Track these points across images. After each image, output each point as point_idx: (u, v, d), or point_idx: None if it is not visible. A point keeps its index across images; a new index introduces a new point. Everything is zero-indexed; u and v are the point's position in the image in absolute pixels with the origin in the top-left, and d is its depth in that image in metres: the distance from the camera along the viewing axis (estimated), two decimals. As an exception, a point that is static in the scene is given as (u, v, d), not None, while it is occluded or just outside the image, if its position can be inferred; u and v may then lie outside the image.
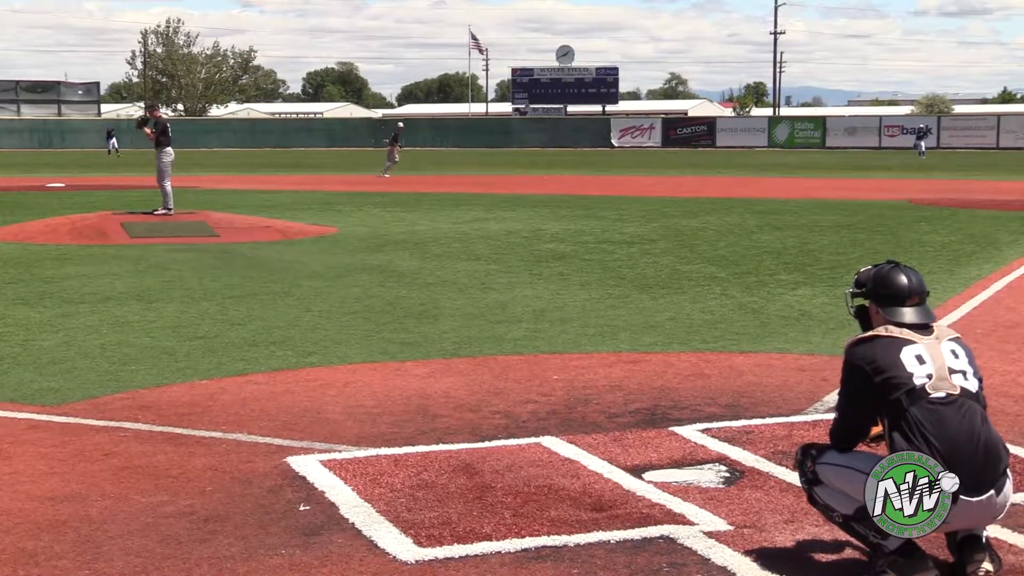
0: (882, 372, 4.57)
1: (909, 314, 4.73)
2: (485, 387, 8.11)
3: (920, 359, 4.58)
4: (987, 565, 4.60)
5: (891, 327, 4.69)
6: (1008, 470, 4.61)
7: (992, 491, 4.51)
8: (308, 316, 11.23)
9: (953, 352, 4.66)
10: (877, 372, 4.58)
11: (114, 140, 69.48)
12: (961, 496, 4.42)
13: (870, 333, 4.72)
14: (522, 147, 77.87)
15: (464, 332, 10.34)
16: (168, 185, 21.25)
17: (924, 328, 4.71)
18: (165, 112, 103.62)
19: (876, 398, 4.60)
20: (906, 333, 4.66)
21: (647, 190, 32.76)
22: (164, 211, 21.04)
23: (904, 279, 4.78)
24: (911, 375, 4.55)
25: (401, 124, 49.02)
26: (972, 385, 4.62)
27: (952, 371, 4.59)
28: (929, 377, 4.55)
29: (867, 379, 4.61)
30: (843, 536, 5.10)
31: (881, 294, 4.78)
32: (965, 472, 4.42)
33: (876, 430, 4.80)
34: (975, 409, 4.58)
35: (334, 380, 8.37)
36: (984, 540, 4.69)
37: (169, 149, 21.33)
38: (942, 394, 4.54)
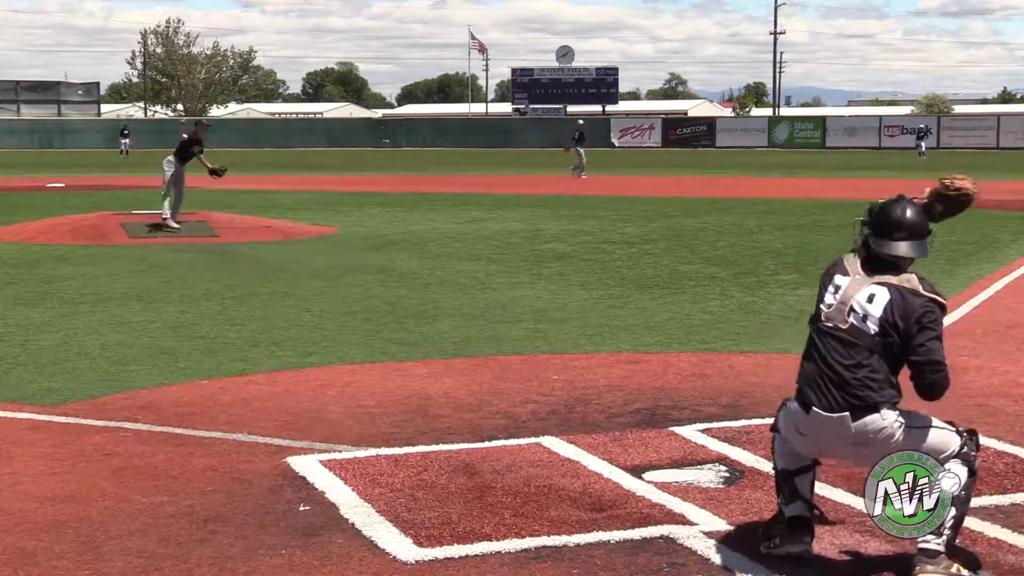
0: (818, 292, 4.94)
1: (895, 247, 4.81)
2: (485, 387, 8.11)
3: (836, 289, 4.84)
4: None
5: (848, 256, 4.92)
6: (879, 407, 4.66)
7: (846, 413, 4.68)
8: (308, 316, 11.23)
9: (871, 295, 4.76)
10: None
11: (127, 140, 69.50)
12: (813, 408, 4.76)
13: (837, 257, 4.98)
14: (522, 147, 77.85)
15: (464, 332, 10.34)
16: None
17: (887, 268, 4.79)
18: (165, 113, 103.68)
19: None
20: (849, 264, 4.87)
21: (647, 190, 32.76)
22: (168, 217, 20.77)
23: (898, 211, 4.84)
24: (822, 301, 4.87)
25: (581, 121, 44.87)
26: (869, 328, 4.72)
27: (852, 310, 4.75)
28: (829, 307, 4.83)
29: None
30: (842, 537, 5.11)
31: (876, 224, 4.87)
32: (815, 392, 4.78)
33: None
34: (851, 344, 4.72)
35: (334, 380, 8.37)
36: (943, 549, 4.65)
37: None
38: (830, 324, 4.80)
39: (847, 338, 4.75)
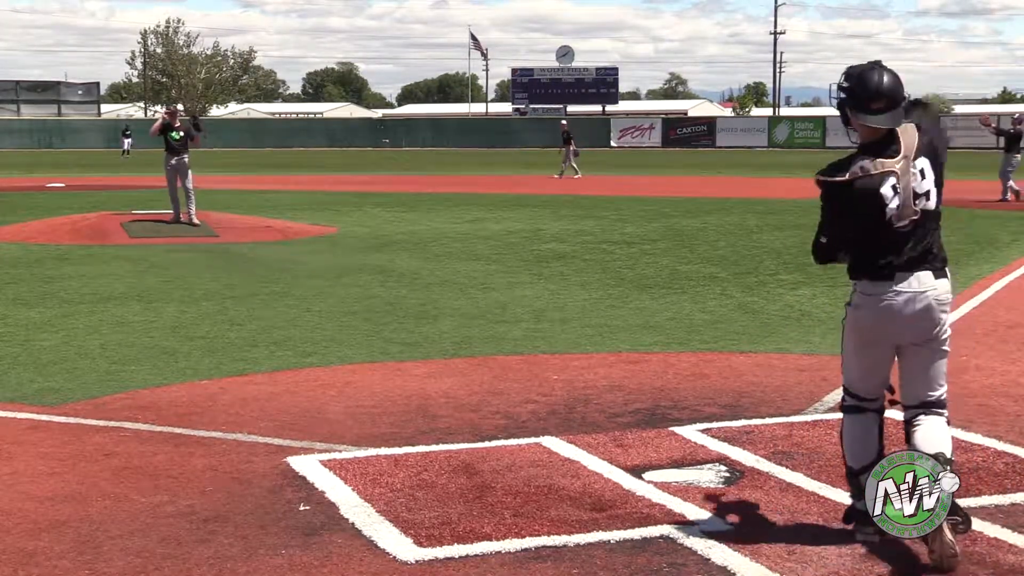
0: (861, 207, 4.83)
1: (874, 119, 4.83)
2: (485, 387, 8.11)
3: (894, 189, 4.81)
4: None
5: (865, 164, 4.83)
6: (946, 270, 4.99)
7: (929, 271, 4.89)
8: (308, 316, 11.23)
9: (922, 172, 4.87)
10: (855, 208, 4.84)
11: (129, 140, 69.59)
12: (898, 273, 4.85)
13: (847, 177, 4.83)
14: (522, 147, 77.86)
15: (464, 332, 10.34)
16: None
17: (890, 144, 4.83)
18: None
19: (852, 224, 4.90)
20: (878, 165, 4.80)
21: (647, 190, 32.76)
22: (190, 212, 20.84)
23: (875, 79, 4.83)
24: (887, 207, 4.82)
25: (564, 122, 45.56)
26: (932, 204, 4.90)
27: (916, 195, 4.84)
28: (898, 208, 4.82)
29: (845, 210, 4.87)
30: (843, 537, 5.11)
31: (854, 92, 4.87)
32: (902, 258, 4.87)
33: None
34: (928, 225, 4.93)
35: (334, 380, 8.37)
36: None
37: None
38: (906, 223, 4.84)
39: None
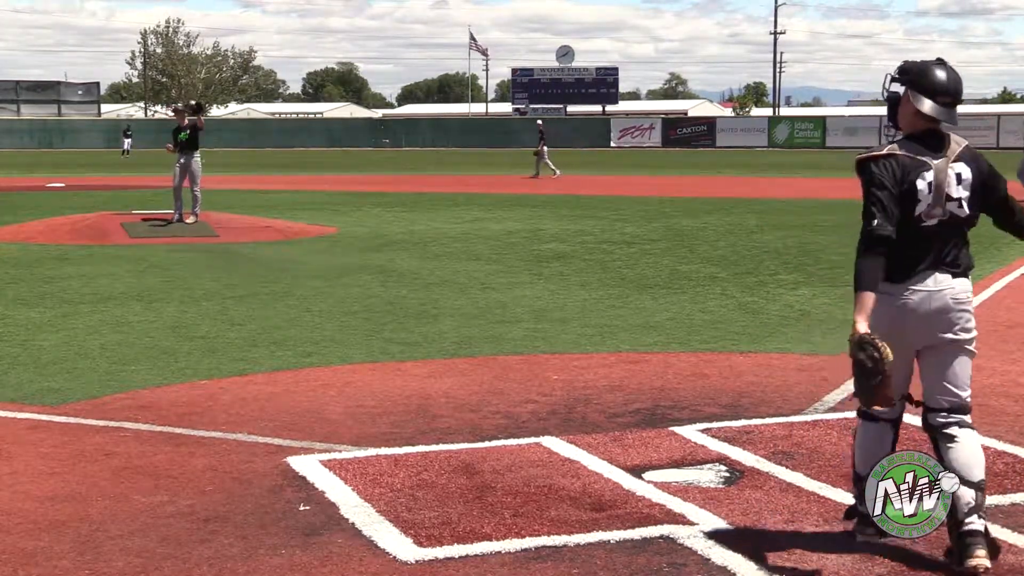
0: (898, 186, 4.78)
1: (935, 109, 4.87)
2: (485, 387, 8.11)
3: (929, 187, 4.80)
4: (984, 561, 4.63)
5: (906, 145, 4.86)
6: (968, 273, 4.92)
7: (948, 274, 4.84)
8: (308, 316, 11.23)
9: (958, 176, 4.86)
10: (895, 184, 4.80)
11: (130, 140, 69.58)
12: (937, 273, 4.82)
13: (885, 152, 4.86)
14: (522, 147, 77.84)
15: (464, 332, 10.34)
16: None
17: (939, 143, 4.90)
18: (166, 113, 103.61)
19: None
20: (923, 154, 4.84)
21: (647, 190, 32.76)
22: (194, 214, 20.82)
23: (943, 75, 4.90)
24: (918, 200, 4.77)
25: (540, 122, 46.19)
26: (963, 212, 4.87)
27: (949, 198, 4.82)
28: (928, 206, 4.79)
29: (892, 184, 4.80)
30: (842, 537, 5.11)
31: (919, 83, 4.89)
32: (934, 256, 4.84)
33: None
34: (956, 232, 4.89)
35: (334, 380, 8.37)
36: (984, 529, 4.71)
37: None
38: (933, 222, 4.81)
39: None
